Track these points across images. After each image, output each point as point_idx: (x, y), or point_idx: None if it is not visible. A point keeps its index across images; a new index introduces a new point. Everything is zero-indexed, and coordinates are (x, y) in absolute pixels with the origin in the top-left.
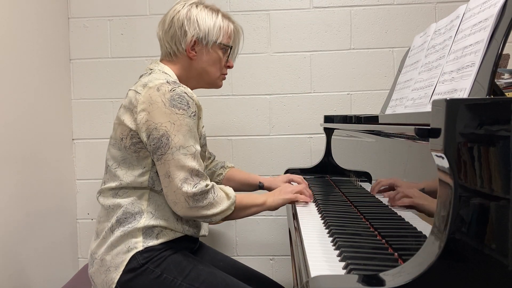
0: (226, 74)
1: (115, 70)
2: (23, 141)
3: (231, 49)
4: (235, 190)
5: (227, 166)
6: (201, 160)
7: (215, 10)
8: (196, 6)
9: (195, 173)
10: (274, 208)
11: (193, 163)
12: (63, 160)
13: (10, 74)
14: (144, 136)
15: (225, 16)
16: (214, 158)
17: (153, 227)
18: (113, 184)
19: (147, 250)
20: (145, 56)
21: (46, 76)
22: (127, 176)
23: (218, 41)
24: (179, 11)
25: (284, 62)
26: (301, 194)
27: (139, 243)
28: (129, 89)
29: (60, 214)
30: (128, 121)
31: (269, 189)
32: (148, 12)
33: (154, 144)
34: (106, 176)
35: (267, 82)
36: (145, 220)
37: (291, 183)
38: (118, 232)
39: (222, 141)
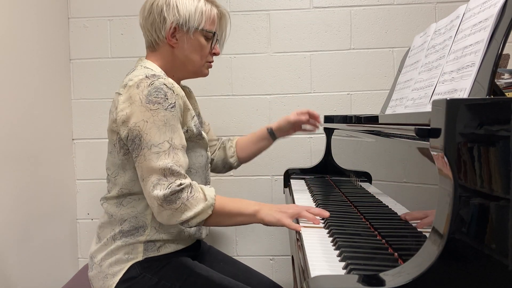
0: (212, 61)
1: (115, 70)
2: (23, 141)
3: (214, 35)
4: (253, 153)
5: (231, 142)
6: (180, 155)
7: None
8: None
9: (168, 173)
10: (266, 223)
11: (165, 162)
12: (63, 160)
13: (10, 74)
14: (124, 139)
15: (208, 0)
16: (220, 145)
17: (155, 241)
18: (115, 192)
19: (146, 260)
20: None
21: (46, 76)
22: (125, 183)
23: (200, 27)
24: None
25: (284, 62)
26: (302, 216)
27: (140, 254)
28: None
29: (60, 214)
30: (113, 125)
31: (278, 129)
32: None
33: (130, 146)
34: (109, 185)
35: (267, 82)
36: (148, 235)
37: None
38: (119, 242)
39: None
